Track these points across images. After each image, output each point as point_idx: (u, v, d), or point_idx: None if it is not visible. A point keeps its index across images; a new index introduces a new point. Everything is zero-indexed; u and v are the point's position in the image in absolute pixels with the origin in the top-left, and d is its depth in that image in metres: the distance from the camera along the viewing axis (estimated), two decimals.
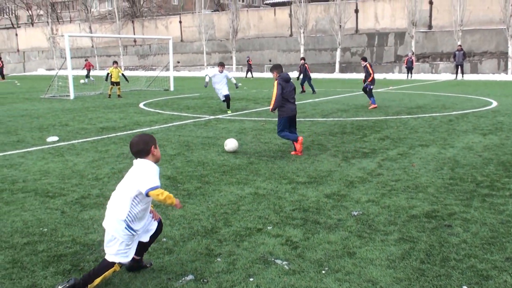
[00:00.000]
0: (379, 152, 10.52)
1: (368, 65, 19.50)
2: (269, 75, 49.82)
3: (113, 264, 4.53)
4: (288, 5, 56.00)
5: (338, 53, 50.93)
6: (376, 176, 8.48)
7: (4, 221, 6.42)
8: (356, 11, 51.66)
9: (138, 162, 4.66)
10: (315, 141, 11.95)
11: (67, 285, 4.37)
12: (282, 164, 9.45)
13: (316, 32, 53.59)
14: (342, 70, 50.68)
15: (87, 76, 42.84)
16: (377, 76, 44.76)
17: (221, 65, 18.54)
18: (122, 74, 26.52)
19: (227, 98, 18.42)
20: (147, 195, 4.45)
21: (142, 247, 4.86)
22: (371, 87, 19.21)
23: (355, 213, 6.48)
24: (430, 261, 5.02)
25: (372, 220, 6.24)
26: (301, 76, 27.28)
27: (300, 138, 10.47)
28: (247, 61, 47.83)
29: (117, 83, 26.10)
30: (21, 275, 4.83)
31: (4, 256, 5.30)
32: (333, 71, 51.19)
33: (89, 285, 4.43)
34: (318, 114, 17.10)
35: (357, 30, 51.91)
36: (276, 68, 10.68)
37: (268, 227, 6.02)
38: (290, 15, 55.02)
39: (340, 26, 50.03)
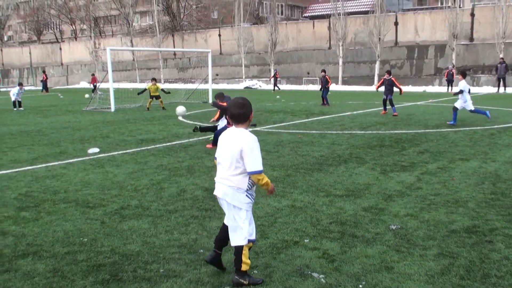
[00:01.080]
0: (418, 165, 10.38)
1: (393, 78, 21.60)
2: (306, 87, 49.73)
3: (242, 247, 4.79)
4: (327, 18, 55.91)
5: (377, 65, 50.55)
6: (415, 190, 8.38)
7: (46, 230, 6.57)
8: (396, 23, 51.23)
9: (243, 134, 4.73)
10: (353, 154, 11.87)
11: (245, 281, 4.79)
12: (320, 177, 9.41)
13: (355, 44, 53.33)
14: None
15: (93, 90, 43.75)
16: (417, 88, 44.44)
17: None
18: (162, 89, 26.72)
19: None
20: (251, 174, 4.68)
21: (223, 239, 5.06)
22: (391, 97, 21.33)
23: (393, 227, 6.41)
24: (470, 277, 4.92)
25: (411, 234, 6.16)
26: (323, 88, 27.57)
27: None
28: (274, 74, 47.93)
29: (157, 97, 26.39)
30: (62, 284, 4.93)
31: (46, 265, 5.42)
32: (371, 83, 50.76)
33: (242, 270, 4.80)
34: (356, 127, 16.99)
35: (396, 43, 51.45)
36: (219, 96, 13.12)
37: (305, 240, 6.01)
38: (329, 28, 54.89)
39: (380, 38, 49.70)
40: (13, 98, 28.92)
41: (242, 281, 4.79)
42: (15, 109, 28.54)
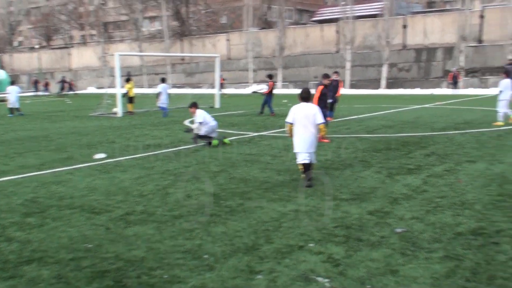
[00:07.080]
0: (425, 168, 10.33)
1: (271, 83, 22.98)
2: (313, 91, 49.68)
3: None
4: (335, 22, 55.84)
5: (384, 69, 50.39)
6: (421, 192, 8.33)
7: (51, 236, 6.58)
8: (404, 26, 51.10)
9: (312, 105, 9.22)
10: (359, 157, 11.83)
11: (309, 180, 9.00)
12: (325, 181, 9.38)
13: (363, 48, 53.21)
14: (389, 86, 50.06)
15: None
16: (424, 91, 44.29)
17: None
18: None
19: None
20: (317, 125, 9.01)
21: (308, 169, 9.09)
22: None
23: (399, 230, 6.37)
24: (476, 279, 4.89)
25: (416, 237, 6.12)
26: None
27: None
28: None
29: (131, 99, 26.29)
30: None
31: (50, 271, 5.42)
32: (379, 86, 50.66)
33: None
34: (362, 130, 16.94)
35: (404, 46, 51.30)
36: (324, 76, 15.71)
37: (310, 244, 5.98)
38: (338, 32, 54.83)
39: (388, 42, 49.55)
40: (11, 105, 28.12)
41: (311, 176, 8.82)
42: (11, 115, 28.03)
